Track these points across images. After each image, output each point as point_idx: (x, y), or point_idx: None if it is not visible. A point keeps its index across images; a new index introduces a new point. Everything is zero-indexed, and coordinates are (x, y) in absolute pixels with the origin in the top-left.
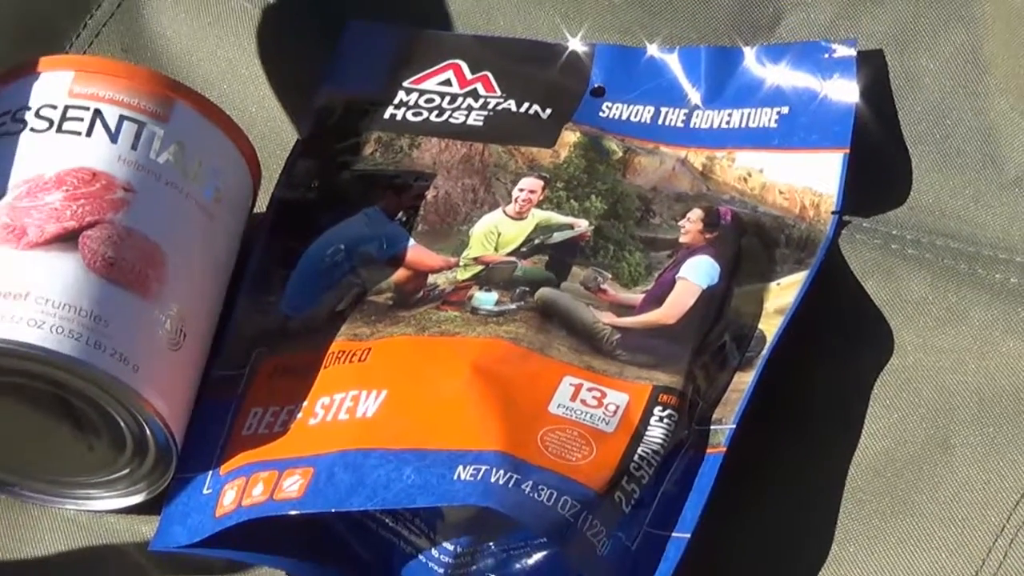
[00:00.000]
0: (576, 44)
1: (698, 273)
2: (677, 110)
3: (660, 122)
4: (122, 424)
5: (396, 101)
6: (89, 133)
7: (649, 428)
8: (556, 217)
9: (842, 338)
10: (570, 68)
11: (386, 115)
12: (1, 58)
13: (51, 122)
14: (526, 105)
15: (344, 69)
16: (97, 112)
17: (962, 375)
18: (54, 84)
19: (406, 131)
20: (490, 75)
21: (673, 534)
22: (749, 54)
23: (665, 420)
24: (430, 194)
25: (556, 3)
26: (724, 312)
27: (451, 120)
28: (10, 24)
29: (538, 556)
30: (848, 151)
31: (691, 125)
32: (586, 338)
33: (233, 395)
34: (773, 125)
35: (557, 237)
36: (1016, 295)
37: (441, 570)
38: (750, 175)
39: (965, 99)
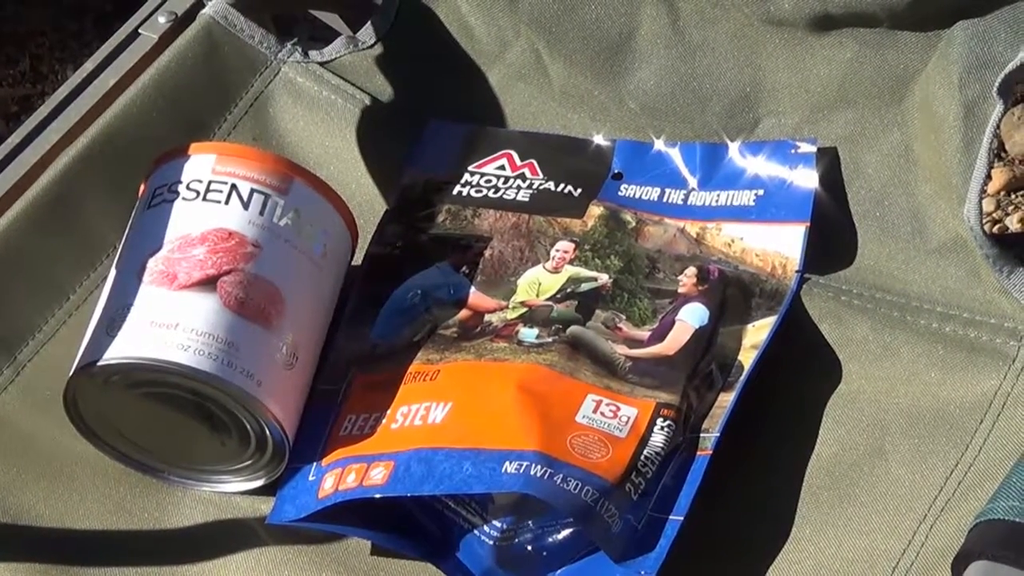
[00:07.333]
0: (600, 139)
1: (692, 316)
2: (678, 191)
3: (664, 200)
4: (247, 425)
5: (463, 181)
6: (227, 202)
7: (653, 435)
8: (584, 272)
9: (802, 368)
10: (596, 158)
11: (455, 192)
12: (160, 143)
13: (198, 193)
14: (562, 185)
15: (423, 156)
16: (233, 186)
17: (894, 398)
18: (201, 164)
19: (470, 204)
20: (535, 162)
21: (670, 517)
22: (734, 149)
23: (665, 429)
24: (487, 253)
25: (586, 108)
26: (711, 346)
27: (504, 196)
28: (168, 118)
29: (566, 532)
30: (809, 224)
31: (688, 203)
32: (605, 365)
33: (333, 404)
34: (751, 203)
35: (584, 287)
36: (937, 336)
37: (491, 542)
38: (733, 241)
39: (899, 186)
